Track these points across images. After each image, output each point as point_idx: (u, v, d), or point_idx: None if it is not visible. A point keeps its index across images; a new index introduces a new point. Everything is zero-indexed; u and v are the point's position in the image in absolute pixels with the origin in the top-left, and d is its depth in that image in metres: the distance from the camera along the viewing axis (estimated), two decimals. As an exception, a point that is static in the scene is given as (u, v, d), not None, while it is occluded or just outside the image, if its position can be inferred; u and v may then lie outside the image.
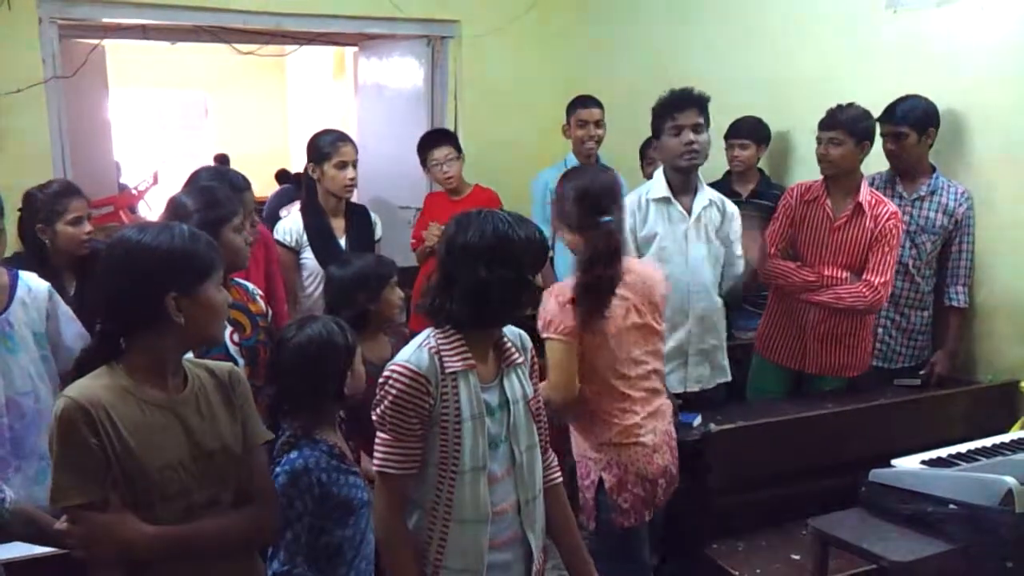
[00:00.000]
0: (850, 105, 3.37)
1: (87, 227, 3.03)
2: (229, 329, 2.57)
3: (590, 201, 2.60)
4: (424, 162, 4.35)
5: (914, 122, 3.42)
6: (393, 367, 1.94)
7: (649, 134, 4.32)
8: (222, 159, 10.33)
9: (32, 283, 2.50)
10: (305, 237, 3.56)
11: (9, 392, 2.37)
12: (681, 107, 3.10)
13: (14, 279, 2.46)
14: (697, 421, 3.10)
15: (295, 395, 2.12)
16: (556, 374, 2.54)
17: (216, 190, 2.80)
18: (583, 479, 2.68)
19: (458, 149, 4.33)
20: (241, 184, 2.99)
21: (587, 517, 2.67)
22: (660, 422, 2.69)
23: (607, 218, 2.56)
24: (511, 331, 2.12)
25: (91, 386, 1.70)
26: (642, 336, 2.65)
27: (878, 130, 3.45)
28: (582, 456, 2.69)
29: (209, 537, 1.78)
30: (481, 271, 1.92)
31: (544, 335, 2.54)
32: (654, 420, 2.67)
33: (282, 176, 9.74)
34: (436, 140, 4.35)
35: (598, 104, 4.38)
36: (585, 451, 2.67)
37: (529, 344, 2.16)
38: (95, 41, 6.07)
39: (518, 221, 1.99)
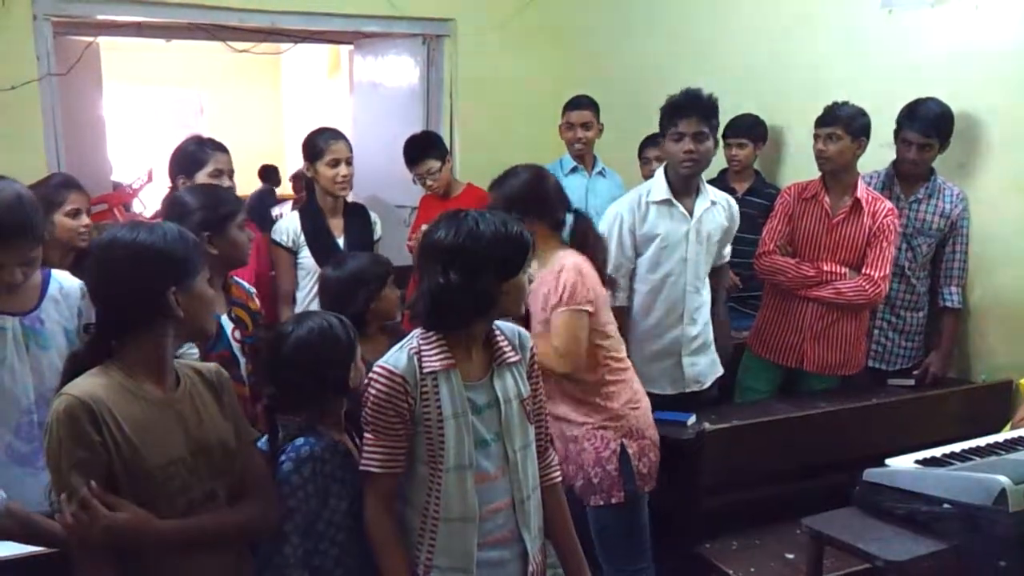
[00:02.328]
0: (845, 103, 3.41)
1: (85, 220, 3.04)
2: (231, 326, 2.59)
3: (559, 195, 2.86)
4: (410, 169, 4.29)
5: (942, 133, 3.41)
6: (374, 368, 1.98)
7: (647, 133, 4.37)
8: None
9: (64, 281, 2.50)
10: (303, 237, 3.54)
11: (40, 388, 2.38)
12: (684, 114, 3.07)
13: (46, 277, 2.46)
14: (691, 420, 3.10)
15: (297, 390, 2.09)
16: (570, 344, 2.61)
17: (217, 189, 2.81)
18: (599, 452, 2.70)
19: (442, 157, 4.22)
20: (218, 145, 3.35)
21: (606, 491, 2.70)
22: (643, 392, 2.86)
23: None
24: (509, 329, 2.12)
25: (92, 384, 1.71)
26: None
27: (886, 132, 3.47)
28: (594, 430, 2.71)
29: (216, 529, 1.81)
30: (440, 274, 1.93)
31: (560, 308, 2.60)
32: (642, 390, 2.85)
33: (265, 173, 9.46)
34: (418, 153, 4.22)
35: (589, 106, 4.35)
36: (597, 423, 2.71)
37: (529, 343, 2.15)
38: (89, 38, 6.06)
39: (497, 223, 1.96)
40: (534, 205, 2.70)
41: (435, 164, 4.18)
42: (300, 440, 2.01)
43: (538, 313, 2.70)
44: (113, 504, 1.66)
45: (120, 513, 1.66)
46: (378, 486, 1.98)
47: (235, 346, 2.58)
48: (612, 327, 2.78)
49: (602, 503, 2.71)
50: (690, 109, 3.07)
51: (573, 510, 2.35)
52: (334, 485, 2.02)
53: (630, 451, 2.70)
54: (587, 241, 2.80)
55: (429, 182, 4.21)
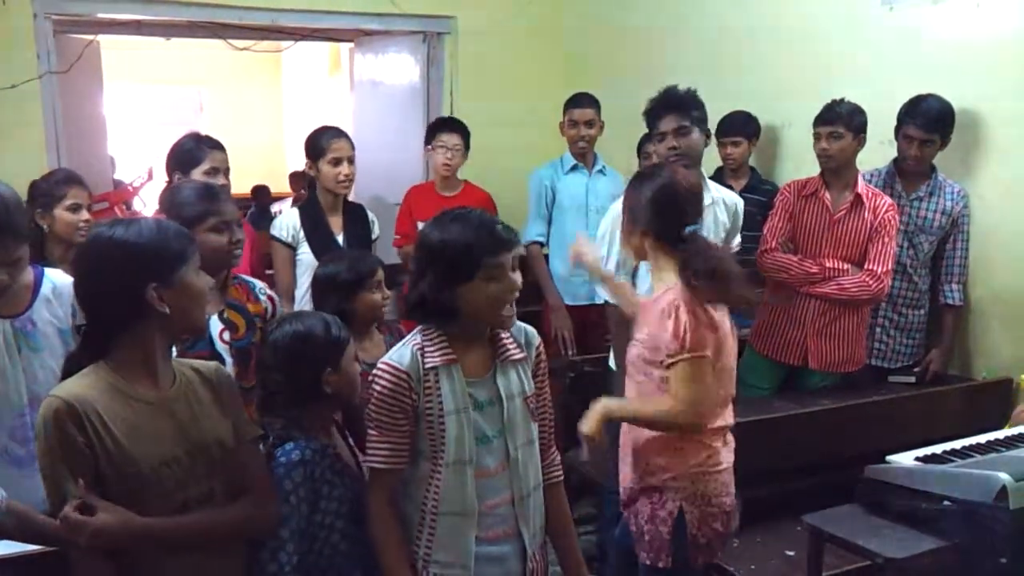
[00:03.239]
0: (843, 100, 3.42)
1: (85, 215, 3.07)
2: (220, 327, 2.54)
3: (677, 207, 2.42)
4: (429, 141, 4.33)
5: (943, 129, 3.41)
6: (379, 364, 1.99)
7: (646, 130, 4.36)
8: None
9: (57, 280, 2.48)
10: (302, 233, 3.55)
11: (33, 390, 2.37)
12: (660, 114, 3.09)
13: (39, 276, 2.45)
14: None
15: (277, 393, 2.10)
16: (690, 394, 2.26)
17: (200, 187, 2.74)
18: (655, 509, 2.40)
19: (465, 140, 4.32)
20: (215, 143, 3.33)
21: (655, 552, 2.41)
22: (731, 451, 2.53)
23: (692, 227, 2.40)
24: (516, 326, 2.12)
25: (79, 385, 1.71)
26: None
27: (887, 130, 3.48)
28: (655, 484, 2.41)
29: (211, 527, 1.81)
30: (424, 271, 1.97)
31: (681, 356, 2.25)
32: (729, 449, 2.51)
33: (258, 193, 9.23)
34: (450, 126, 4.34)
35: (591, 103, 4.36)
36: (661, 479, 2.40)
37: (536, 340, 2.16)
38: (90, 37, 6.04)
39: (461, 223, 1.96)
40: (651, 216, 2.41)
41: (459, 141, 4.24)
42: (290, 445, 2.01)
43: (634, 341, 2.43)
44: (96, 507, 1.65)
45: (104, 515, 1.65)
46: (382, 482, 1.99)
47: (221, 347, 2.54)
48: (728, 388, 2.47)
49: (648, 563, 2.43)
50: (664, 108, 3.08)
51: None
52: (324, 487, 2.02)
53: (688, 516, 2.37)
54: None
55: (450, 155, 4.23)
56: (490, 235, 1.95)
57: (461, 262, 1.94)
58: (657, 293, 2.40)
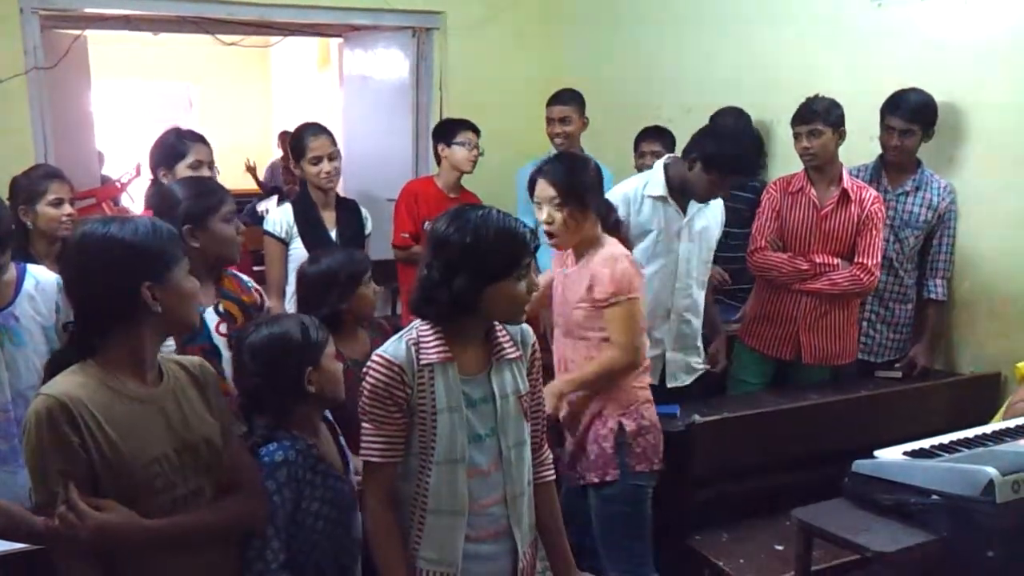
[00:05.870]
0: (817, 97, 3.44)
1: (68, 209, 3.07)
2: (216, 320, 2.54)
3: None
4: (447, 138, 4.21)
5: (924, 120, 3.43)
6: (372, 357, 1.98)
7: (641, 124, 4.34)
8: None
9: (40, 276, 2.47)
10: (295, 228, 3.54)
11: (17, 386, 2.36)
12: (741, 172, 3.26)
13: (21, 272, 2.44)
14: (677, 412, 3.10)
15: (256, 394, 2.09)
16: (631, 335, 2.66)
17: (204, 180, 2.78)
18: (597, 429, 2.73)
19: (477, 139, 4.23)
20: (197, 136, 3.36)
21: (602, 469, 2.73)
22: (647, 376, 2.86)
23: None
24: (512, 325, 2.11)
25: (70, 383, 1.69)
26: None
27: (875, 126, 3.49)
28: (597, 410, 2.74)
29: (204, 527, 1.80)
30: (426, 266, 1.94)
31: (617, 298, 2.62)
32: (647, 374, 2.85)
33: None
34: (470, 125, 4.24)
35: (569, 100, 4.35)
36: (601, 403, 2.74)
37: (531, 339, 2.14)
38: (77, 32, 6.01)
39: (497, 224, 1.95)
40: (589, 194, 2.71)
41: (478, 140, 4.19)
42: (273, 445, 2.01)
43: (576, 305, 2.73)
44: (99, 505, 1.64)
45: (107, 513, 1.64)
46: (378, 476, 1.98)
47: (219, 340, 2.53)
48: None
49: (597, 480, 2.74)
50: (751, 168, 3.35)
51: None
52: (306, 488, 2.02)
53: (627, 428, 2.71)
54: (618, 227, 2.85)
55: (474, 152, 4.17)
56: (524, 235, 1.97)
57: (502, 261, 1.94)
58: (592, 259, 2.70)
